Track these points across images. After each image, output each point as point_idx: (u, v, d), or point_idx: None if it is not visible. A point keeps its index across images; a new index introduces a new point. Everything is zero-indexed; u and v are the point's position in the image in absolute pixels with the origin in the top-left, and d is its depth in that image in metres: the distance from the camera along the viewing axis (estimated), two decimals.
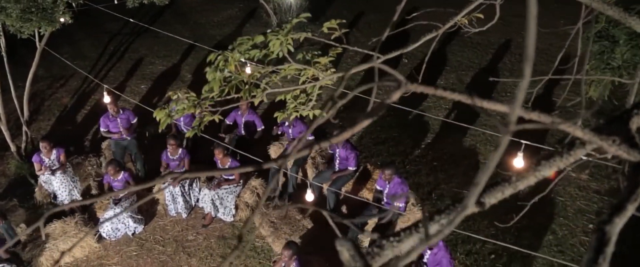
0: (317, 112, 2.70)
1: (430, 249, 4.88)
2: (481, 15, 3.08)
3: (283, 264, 5.35)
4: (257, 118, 7.35)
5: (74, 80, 10.09)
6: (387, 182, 5.77)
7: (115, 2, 8.78)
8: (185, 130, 7.63)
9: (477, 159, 7.36)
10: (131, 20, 8.55)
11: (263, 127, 7.34)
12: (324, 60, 2.53)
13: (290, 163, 7.03)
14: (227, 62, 2.42)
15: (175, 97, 2.62)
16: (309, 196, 5.82)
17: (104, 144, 7.79)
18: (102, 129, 7.37)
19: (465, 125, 7.05)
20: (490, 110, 1.11)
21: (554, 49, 9.80)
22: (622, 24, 5.76)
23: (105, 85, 7.07)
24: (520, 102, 0.74)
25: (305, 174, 7.12)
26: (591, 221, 6.25)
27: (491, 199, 1.13)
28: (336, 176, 6.44)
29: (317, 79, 2.45)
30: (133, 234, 6.80)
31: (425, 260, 4.99)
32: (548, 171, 1.20)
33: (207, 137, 7.50)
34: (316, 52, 2.58)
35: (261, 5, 10.98)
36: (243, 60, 6.68)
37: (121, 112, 7.43)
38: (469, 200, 1.01)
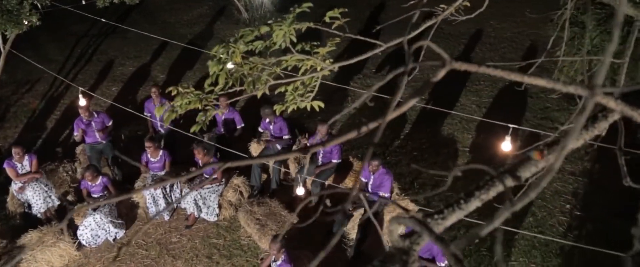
0: (316, 103, 2.69)
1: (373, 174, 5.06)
2: (468, 4, 3.13)
3: (272, 259, 5.33)
4: (237, 115, 7.27)
5: (40, 84, 9.76)
6: (372, 173, 5.81)
7: (83, 2, 8.51)
8: (162, 131, 7.50)
9: (455, 147, 7.49)
10: (102, 20, 8.31)
11: (243, 124, 7.27)
12: (323, 50, 2.52)
13: (272, 160, 7.00)
14: (231, 54, 2.37)
15: (175, 92, 2.55)
16: (300, 190, 5.80)
17: (78, 149, 7.57)
18: (75, 134, 7.15)
19: (445, 110, 7.17)
20: (537, 85, 1.13)
21: (522, 37, 10.07)
22: (590, 11, 5.96)
23: (80, 88, 6.86)
24: (607, 68, 0.75)
25: (288, 170, 7.10)
26: (568, 201, 6.46)
27: (526, 173, 1.16)
28: (320, 170, 6.45)
29: (316, 70, 2.44)
30: (114, 239, 6.64)
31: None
32: (576, 143, 1.24)
33: (186, 134, 7.39)
34: (315, 43, 2.57)
35: (232, 2, 10.86)
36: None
37: (95, 115, 7.23)
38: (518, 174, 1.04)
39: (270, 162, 7.07)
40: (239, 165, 7.22)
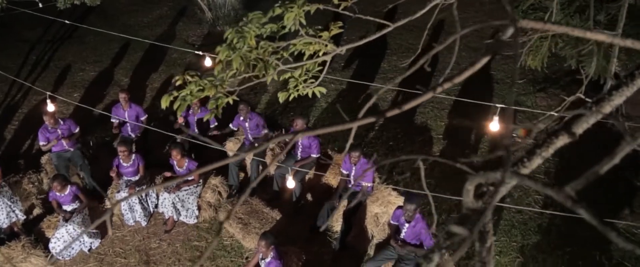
0: (317, 90, 2.64)
1: (408, 222, 4.98)
2: None
3: (260, 256, 5.25)
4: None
5: None
6: (353, 164, 5.81)
7: (40, 5, 8.12)
8: (132, 135, 7.26)
9: (430, 134, 7.61)
10: (66, 21, 7.95)
11: (216, 123, 7.14)
12: (327, 34, 2.47)
13: (250, 158, 6.90)
14: (244, 37, 2.29)
15: (179, 82, 2.43)
16: (290, 183, 5.72)
17: (44, 159, 7.23)
18: (41, 143, 6.82)
19: (420, 90, 7.25)
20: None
21: (484, 27, 10.33)
22: None
23: (47, 93, 6.51)
24: None
25: (265, 167, 7.01)
26: (541, 180, 6.66)
27: (579, 129, 1.18)
28: (299, 164, 6.40)
29: (324, 54, 2.39)
30: (89, 250, 6.38)
31: (402, 236, 5.09)
32: (619, 99, 1.26)
33: (158, 135, 7.20)
34: (318, 27, 2.51)
35: (194, 2, 10.63)
36: (201, 53, 6.41)
37: (61, 122, 6.92)
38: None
39: (248, 160, 6.98)
40: (218, 166, 7.10)
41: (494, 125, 4.87)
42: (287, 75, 2.58)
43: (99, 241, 6.46)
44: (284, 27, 2.35)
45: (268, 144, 1.50)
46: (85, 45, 10.74)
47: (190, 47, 10.44)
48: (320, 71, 2.61)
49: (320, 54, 2.44)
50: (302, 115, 6.31)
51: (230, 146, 7.11)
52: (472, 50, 9.66)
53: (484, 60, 1.17)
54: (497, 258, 5.78)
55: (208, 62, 6.20)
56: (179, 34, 10.93)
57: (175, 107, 2.37)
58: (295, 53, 2.46)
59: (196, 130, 7.14)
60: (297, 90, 2.56)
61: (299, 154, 6.49)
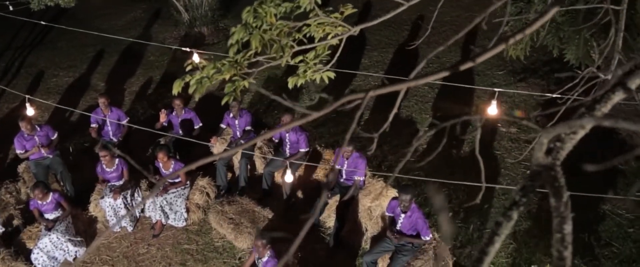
0: (326, 74, 2.58)
1: (404, 213, 4.97)
2: None
3: (256, 256, 5.16)
4: (193, 115, 6.98)
5: None
6: (346, 159, 5.77)
7: (11, 8, 7.82)
8: (114, 140, 7.06)
9: (415, 127, 7.64)
10: (44, 22, 7.67)
11: (201, 124, 7.00)
12: (339, 16, 2.41)
13: (238, 157, 6.79)
14: (258, 18, 2.20)
15: (190, 67, 2.32)
16: (288, 177, 5.62)
17: (21, 167, 6.95)
18: (18, 151, 6.56)
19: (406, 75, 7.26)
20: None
21: (461, 20, 10.45)
22: None
23: (26, 96, 6.24)
24: None
25: (254, 166, 6.92)
26: (528, 168, 6.77)
27: (633, 84, 1.16)
28: (289, 161, 6.33)
29: (335, 36, 2.33)
30: (74, 259, 6.16)
31: (398, 227, 5.07)
32: None
33: (143, 135, 7.03)
34: (329, 8, 2.45)
35: (169, 3, 10.44)
36: (188, 49, 6.26)
37: (38, 128, 6.67)
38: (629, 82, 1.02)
39: (237, 160, 6.87)
40: (203, 164, 6.96)
41: (492, 110, 4.90)
42: (297, 59, 2.51)
43: (85, 249, 6.24)
44: (299, 7, 2.29)
45: (257, 139, 1.44)
46: (58, 50, 10.43)
47: (167, 49, 10.26)
48: (330, 55, 2.55)
49: (330, 37, 2.39)
50: (288, 111, 6.22)
51: (217, 147, 6.97)
52: (452, 43, 9.76)
53: (469, 64, 1.15)
54: None
55: (196, 58, 6.06)
56: (155, 36, 10.72)
57: (190, 91, 2.27)
58: (308, 35, 2.40)
59: (180, 131, 6.98)
60: (306, 75, 2.50)
61: (287, 150, 6.41)
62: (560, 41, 6.29)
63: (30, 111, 6.33)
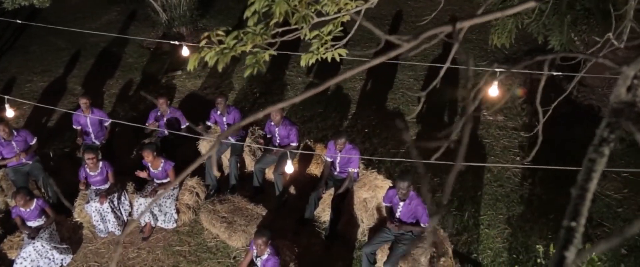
0: (339, 52, 2.50)
1: (402, 201, 4.92)
2: None
3: (254, 254, 5.03)
4: (179, 114, 6.81)
5: None
6: (339, 151, 5.70)
7: None
8: (96, 143, 6.83)
9: (403, 119, 7.63)
10: (19, 21, 7.37)
11: (187, 123, 6.83)
12: None
13: (227, 154, 6.65)
14: None
15: (204, 42, 2.18)
16: (289, 168, 5.48)
17: None
18: None
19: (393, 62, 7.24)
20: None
21: (440, 13, 10.49)
22: None
23: (6, 97, 5.95)
24: None
25: (243, 164, 6.78)
26: (517, 154, 6.83)
27: None
28: (279, 154, 6.21)
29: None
30: None
31: (397, 215, 5.02)
32: None
33: (137, 126, 6.82)
34: None
35: (146, 4, 10.20)
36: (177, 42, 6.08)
37: (15, 133, 6.40)
38: None
39: (226, 158, 6.73)
40: (198, 164, 6.78)
41: (493, 91, 4.90)
42: (312, 35, 2.42)
43: (71, 256, 6.00)
44: None
45: (243, 123, 1.37)
46: (30, 55, 10.08)
47: (146, 51, 10.03)
48: (342, 32, 2.48)
49: (343, 13, 2.31)
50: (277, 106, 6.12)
51: (204, 145, 6.82)
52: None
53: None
54: (486, 231, 5.84)
55: (185, 52, 5.92)
56: (132, 36, 10.46)
57: (210, 63, 2.14)
58: (324, 12, 2.32)
59: (165, 132, 6.80)
60: (319, 53, 2.41)
61: (277, 145, 6.30)
62: (545, 28, 6.38)
63: (9, 113, 6.06)
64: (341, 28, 2.52)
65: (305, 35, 2.30)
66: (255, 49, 2.15)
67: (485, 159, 6.76)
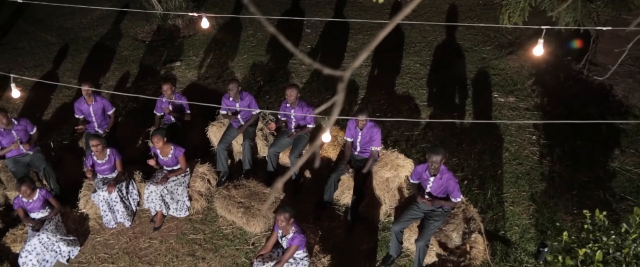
0: None
1: (433, 175, 4.76)
2: None
3: (279, 234, 4.80)
4: (184, 100, 6.54)
5: None
6: (360, 129, 5.51)
7: None
8: (100, 131, 6.52)
9: (415, 102, 7.49)
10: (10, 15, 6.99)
11: (189, 111, 6.54)
12: None
13: (239, 140, 6.41)
14: None
15: None
16: (326, 137, 5.12)
17: None
18: None
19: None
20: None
21: (439, 2, 10.48)
22: None
23: (12, 75, 5.55)
24: None
25: (256, 149, 6.55)
26: (532, 133, 6.74)
27: None
28: (296, 136, 6.00)
29: None
30: (68, 260, 5.59)
31: (428, 190, 4.85)
32: None
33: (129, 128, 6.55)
34: None
35: None
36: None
37: (15, 122, 6.08)
38: None
39: (238, 143, 6.49)
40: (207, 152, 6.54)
41: (538, 50, 4.76)
42: None
43: (78, 248, 5.69)
44: None
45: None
46: (20, 50, 9.70)
47: (141, 44, 9.73)
48: None
49: None
50: (293, 85, 5.91)
51: (213, 131, 6.57)
52: (431, 27, 9.74)
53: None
54: (511, 208, 5.71)
55: (205, 23, 5.68)
56: (126, 31, 10.16)
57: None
58: None
59: (171, 118, 6.53)
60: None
61: (293, 128, 6.10)
62: (559, 4, 6.32)
63: (15, 93, 5.71)
64: None
65: None
66: None
67: (500, 139, 6.65)
